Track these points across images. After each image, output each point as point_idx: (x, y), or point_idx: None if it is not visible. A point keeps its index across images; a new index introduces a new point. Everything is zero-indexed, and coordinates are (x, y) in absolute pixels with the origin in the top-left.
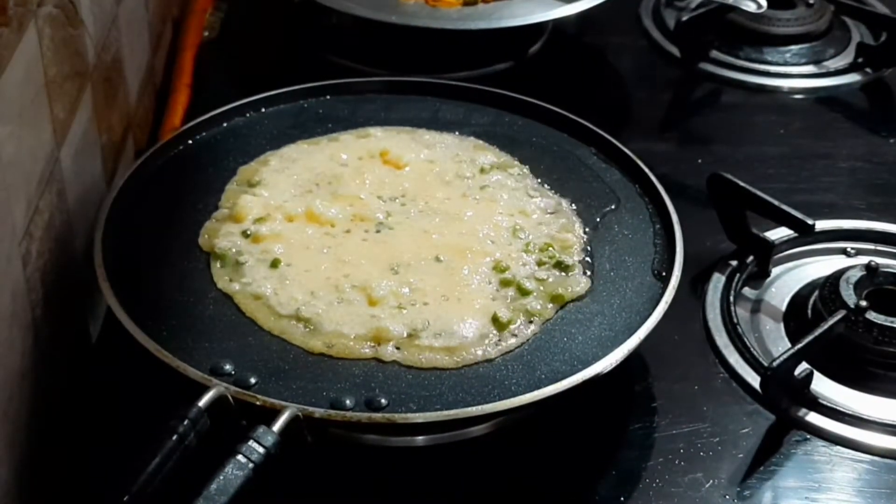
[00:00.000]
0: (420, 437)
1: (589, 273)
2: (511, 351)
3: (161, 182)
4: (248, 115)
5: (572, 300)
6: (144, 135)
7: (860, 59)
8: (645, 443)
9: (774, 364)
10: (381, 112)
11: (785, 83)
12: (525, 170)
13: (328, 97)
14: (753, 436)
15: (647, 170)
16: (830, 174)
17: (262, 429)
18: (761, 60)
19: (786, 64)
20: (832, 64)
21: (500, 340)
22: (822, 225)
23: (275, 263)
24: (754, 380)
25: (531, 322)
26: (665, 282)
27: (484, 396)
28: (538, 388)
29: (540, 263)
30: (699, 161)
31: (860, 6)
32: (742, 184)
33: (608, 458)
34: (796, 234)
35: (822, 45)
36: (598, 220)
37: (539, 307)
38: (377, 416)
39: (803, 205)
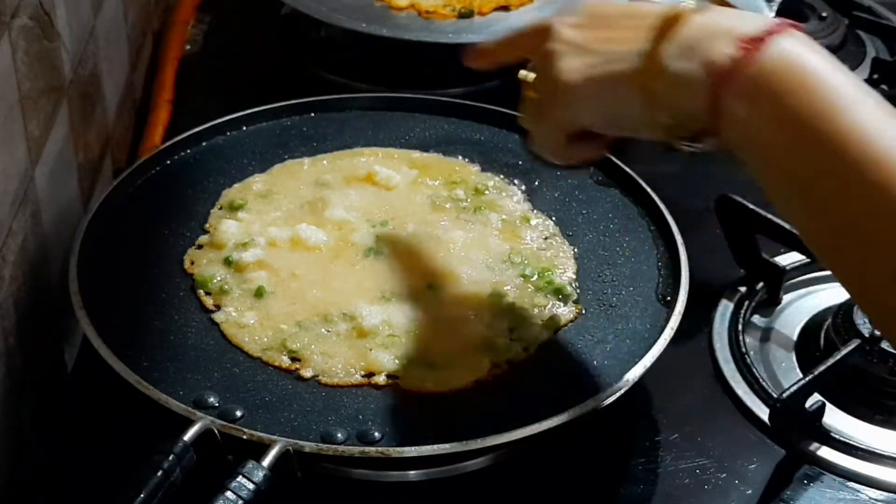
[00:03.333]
0: (414, 472)
1: (589, 299)
2: (509, 380)
3: (139, 204)
4: (228, 133)
5: (572, 328)
6: (123, 153)
7: (876, 76)
8: (649, 478)
9: (785, 396)
10: (368, 130)
11: None
12: (520, 191)
13: (313, 114)
14: (762, 470)
15: (649, 189)
16: None
17: (251, 464)
18: None
19: None
20: None
21: (497, 369)
22: None
23: (259, 292)
24: (763, 412)
25: (528, 350)
26: (670, 307)
27: (481, 429)
28: (538, 419)
29: (537, 289)
30: (706, 182)
31: (876, 20)
32: (752, 206)
33: (610, 495)
34: (808, 260)
35: None
36: (597, 243)
37: (537, 335)
38: (370, 449)
39: None
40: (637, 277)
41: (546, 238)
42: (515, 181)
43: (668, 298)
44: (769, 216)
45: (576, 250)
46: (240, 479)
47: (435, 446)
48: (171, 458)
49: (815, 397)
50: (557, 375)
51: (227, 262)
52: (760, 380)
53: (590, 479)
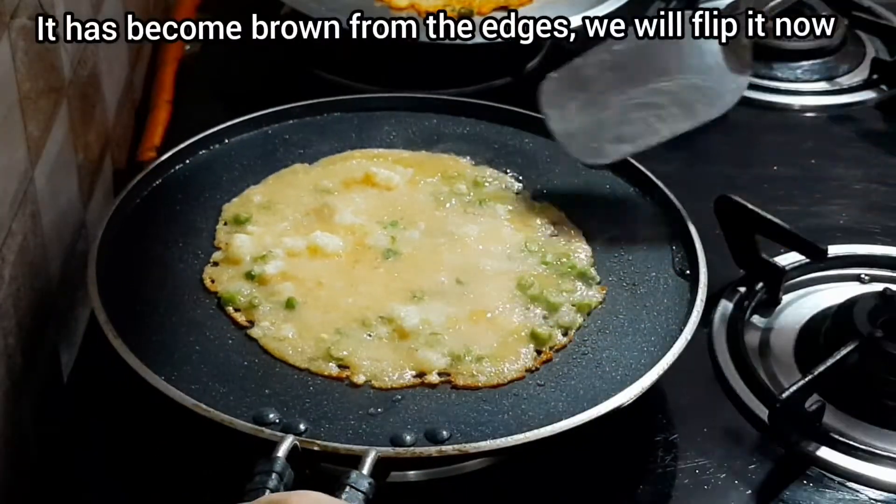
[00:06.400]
0: (413, 472)
1: (611, 280)
2: (558, 367)
3: (141, 228)
4: (211, 147)
5: (603, 309)
6: (123, 153)
7: (875, 76)
8: (649, 478)
9: (784, 396)
10: (350, 133)
11: (796, 100)
12: (516, 181)
13: (292, 121)
14: (762, 471)
15: (642, 168)
16: (844, 196)
17: (354, 473)
18: (771, 76)
19: (797, 80)
20: (846, 80)
21: (544, 357)
22: (834, 250)
23: (290, 303)
24: (763, 412)
25: (569, 335)
26: (690, 280)
27: (546, 417)
28: (599, 402)
29: (561, 275)
30: (705, 183)
31: (875, 20)
32: (751, 206)
33: (610, 495)
34: (808, 260)
35: (835, 60)
36: (604, 225)
37: (573, 319)
38: (447, 448)
39: (815, 229)
40: (651, 254)
41: (555, 224)
42: (508, 171)
43: (688, 272)
44: (769, 216)
45: (586, 233)
46: (349, 490)
47: (509, 438)
48: (273, 476)
49: (815, 397)
50: (605, 356)
51: (250, 276)
52: (760, 380)
53: (589, 480)
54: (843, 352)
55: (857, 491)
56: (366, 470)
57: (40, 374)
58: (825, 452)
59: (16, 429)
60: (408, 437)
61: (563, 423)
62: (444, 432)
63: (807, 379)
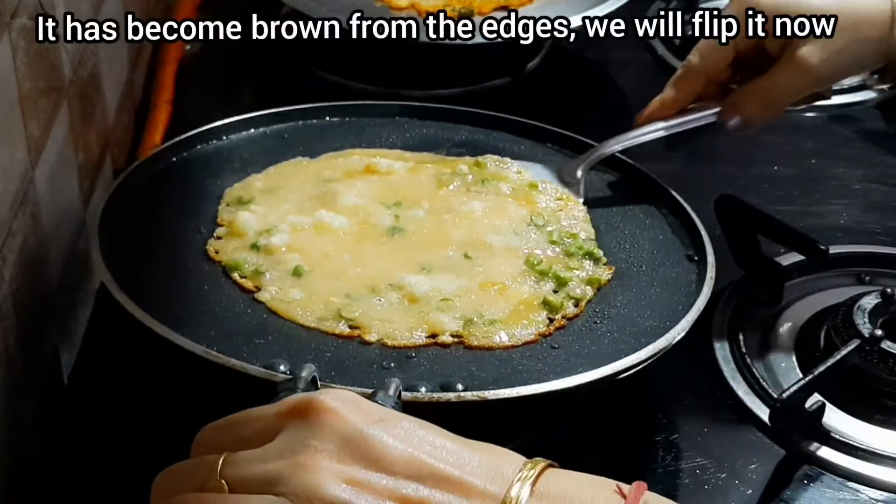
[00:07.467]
0: None
1: (619, 260)
2: (571, 333)
3: (141, 206)
4: (210, 142)
5: (612, 286)
6: (123, 153)
7: (876, 76)
8: (648, 478)
9: (784, 396)
10: (350, 136)
11: None
12: (517, 164)
13: (291, 123)
14: (762, 471)
15: (630, 161)
16: (844, 196)
17: (381, 392)
18: None
19: None
20: (846, 80)
21: (557, 324)
22: (835, 250)
23: (297, 271)
24: (763, 412)
25: (579, 306)
26: (696, 263)
27: (564, 373)
28: (612, 361)
29: (568, 254)
30: (706, 183)
31: None
32: (752, 206)
33: None
34: (809, 260)
35: None
36: (608, 212)
37: (582, 292)
38: (467, 394)
39: (815, 228)
40: (655, 241)
41: (559, 199)
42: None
43: (696, 257)
44: (770, 216)
45: (590, 216)
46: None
47: (530, 387)
48: (299, 391)
49: (815, 397)
50: (619, 326)
51: (255, 247)
52: (760, 380)
53: None
54: (844, 351)
55: (858, 491)
56: (391, 392)
57: (40, 375)
58: (825, 452)
59: (16, 429)
60: (423, 389)
61: (588, 374)
62: (460, 385)
63: (807, 379)
